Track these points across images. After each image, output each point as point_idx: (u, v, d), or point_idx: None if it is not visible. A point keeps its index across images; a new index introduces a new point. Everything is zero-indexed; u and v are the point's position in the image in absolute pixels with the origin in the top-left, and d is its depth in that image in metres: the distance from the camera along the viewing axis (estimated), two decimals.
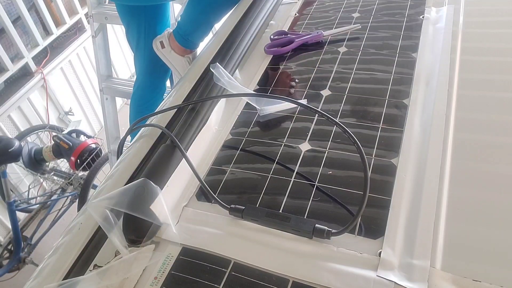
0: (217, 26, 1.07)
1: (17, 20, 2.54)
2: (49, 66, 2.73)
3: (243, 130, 0.68)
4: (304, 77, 0.77)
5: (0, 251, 2.27)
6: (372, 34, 0.84)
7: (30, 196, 2.36)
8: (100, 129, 3.23)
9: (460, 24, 0.78)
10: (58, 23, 2.88)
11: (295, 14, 0.98)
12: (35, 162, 2.10)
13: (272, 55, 0.86)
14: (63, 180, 2.31)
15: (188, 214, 0.56)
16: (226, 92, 0.72)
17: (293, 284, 0.45)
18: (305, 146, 0.62)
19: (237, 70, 0.81)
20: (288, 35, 0.88)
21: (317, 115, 0.67)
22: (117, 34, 3.09)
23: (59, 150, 2.04)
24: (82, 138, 2.24)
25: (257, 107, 0.70)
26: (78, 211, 0.63)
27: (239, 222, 0.53)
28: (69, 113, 2.93)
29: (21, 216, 2.45)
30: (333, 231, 0.48)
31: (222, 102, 0.73)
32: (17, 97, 2.50)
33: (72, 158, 2.01)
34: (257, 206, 0.55)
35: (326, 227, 0.48)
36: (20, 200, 2.32)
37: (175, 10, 1.55)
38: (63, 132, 2.23)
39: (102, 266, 0.51)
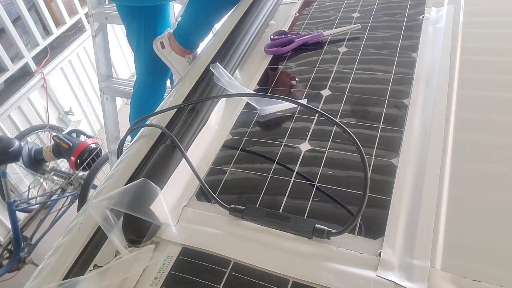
0: (217, 26, 1.07)
1: (17, 20, 2.54)
2: (49, 66, 2.73)
3: (243, 130, 0.68)
4: (304, 77, 0.77)
5: (0, 251, 2.27)
6: (372, 34, 0.84)
7: (30, 196, 2.36)
8: (100, 129, 3.23)
9: (460, 24, 0.78)
10: (58, 23, 2.88)
11: (295, 14, 0.98)
12: (35, 162, 2.10)
13: (272, 55, 0.86)
14: (63, 180, 2.31)
15: (188, 214, 0.56)
16: (226, 92, 0.72)
17: (293, 284, 0.45)
18: (305, 146, 0.62)
19: (237, 70, 0.81)
20: (288, 35, 0.88)
21: (317, 115, 0.67)
22: (117, 34, 3.09)
23: (59, 150, 2.04)
24: (82, 138, 2.24)
25: (257, 107, 0.70)
26: (78, 211, 0.63)
27: (239, 222, 0.53)
28: (69, 113, 2.93)
29: (21, 216, 2.45)
30: (333, 231, 0.48)
31: (222, 102, 0.73)
32: (17, 97, 2.51)
33: (72, 158, 2.01)
34: (257, 206, 0.55)
35: (326, 227, 0.48)
36: (20, 200, 2.32)
37: (175, 10, 1.55)
38: (63, 132, 2.23)
39: (102, 266, 0.51)
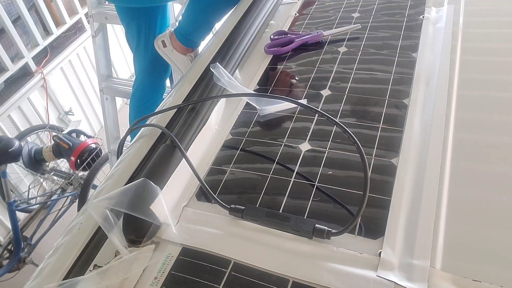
0: (217, 25, 1.07)
1: (17, 20, 2.54)
2: (49, 66, 2.73)
3: (243, 130, 0.68)
4: (304, 77, 0.77)
5: (0, 251, 2.27)
6: (372, 34, 0.84)
7: (30, 196, 2.36)
8: (100, 129, 3.23)
9: (460, 24, 0.78)
10: (58, 23, 2.88)
11: (295, 14, 0.98)
12: (35, 162, 2.10)
13: (272, 55, 0.86)
14: (63, 180, 2.31)
15: (188, 214, 0.56)
16: (226, 92, 0.72)
17: (293, 284, 0.45)
18: (305, 146, 0.62)
19: (237, 70, 0.81)
20: (288, 35, 0.88)
21: (317, 115, 0.67)
22: (117, 34, 3.09)
23: (59, 150, 2.04)
24: (82, 138, 2.24)
25: (257, 107, 0.70)
26: (78, 211, 0.63)
27: (239, 222, 0.53)
28: (69, 113, 2.93)
29: (21, 216, 2.45)
30: (333, 231, 0.48)
31: (222, 102, 0.73)
32: (17, 97, 2.50)
33: (72, 158, 2.01)
34: (257, 206, 0.55)
35: (326, 227, 0.48)
36: (20, 200, 2.32)
37: (175, 10, 1.55)
38: (63, 132, 2.23)
39: (102, 266, 0.51)
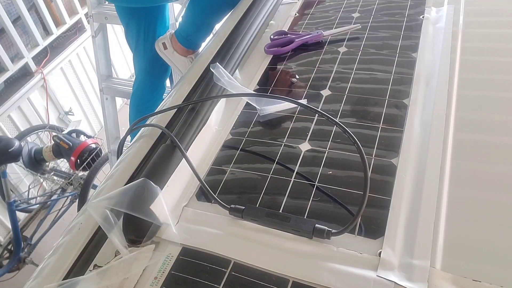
0: (217, 26, 1.07)
1: (17, 20, 2.54)
2: (49, 66, 2.73)
3: (243, 130, 0.68)
4: (304, 77, 0.77)
5: (0, 251, 2.27)
6: (372, 34, 0.84)
7: (30, 196, 2.36)
8: (100, 129, 3.23)
9: (460, 24, 0.78)
10: (58, 23, 2.88)
11: (295, 14, 0.98)
12: (35, 162, 2.10)
13: (272, 55, 0.86)
14: (63, 180, 2.31)
15: (188, 214, 0.56)
16: (226, 92, 0.72)
17: (293, 284, 0.45)
18: (305, 146, 0.62)
19: (237, 70, 0.81)
20: (288, 35, 0.88)
21: (317, 115, 0.67)
22: (117, 34, 3.09)
23: (59, 150, 2.04)
24: (82, 138, 2.24)
25: (257, 107, 0.70)
26: (78, 211, 0.63)
27: (239, 222, 0.53)
28: (69, 113, 2.93)
29: (21, 216, 2.45)
30: (333, 231, 0.48)
31: (222, 102, 0.73)
32: (17, 97, 2.50)
33: (72, 158, 2.01)
34: (257, 206, 0.55)
35: (326, 227, 0.48)
36: (20, 200, 2.32)
37: (175, 10, 1.55)
38: (63, 132, 2.23)
39: (102, 266, 0.51)
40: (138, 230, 0.52)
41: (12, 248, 2.25)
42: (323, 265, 0.46)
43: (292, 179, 0.57)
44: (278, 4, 1.01)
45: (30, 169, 2.13)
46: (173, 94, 0.80)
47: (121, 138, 0.73)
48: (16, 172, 2.43)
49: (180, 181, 0.59)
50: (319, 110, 0.59)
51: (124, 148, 0.72)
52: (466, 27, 0.78)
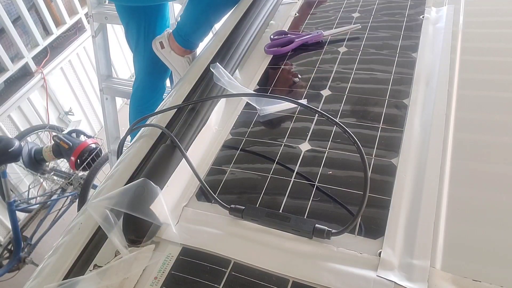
0: (217, 26, 1.07)
1: (17, 20, 2.54)
2: (49, 66, 2.73)
3: (243, 130, 0.68)
4: (304, 77, 0.77)
5: (0, 251, 2.27)
6: (372, 34, 0.84)
7: (30, 196, 2.36)
8: (100, 129, 3.23)
9: (460, 24, 0.78)
10: (58, 23, 2.88)
11: (295, 14, 0.98)
12: (35, 162, 2.10)
13: (272, 55, 0.86)
14: (63, 180, 2.31)
15: (188, 214, 0.56)
16: (226, 92, 0.72)
17: (293, 284, 0.45)
18: (305, 146, 0.62)
19: (237, 70, 0.81)
20: (288, 35, 0.88)
21: (317, 115, 0.67)
22: (117, 34, 3.09)
23: (59, 150, 2.04)
24: (82, 138, 2.24)
25: (257, 107, 0.70)
26: (78, 211, 0.63)
27: (239, 222, 0.53)
28: (69, 113, 2.93)
29: (21, 216, 2.45)
30: (333, 231, 0.48)
31: (222, 102, 0.73)
32: (17, 97, 2.50)
33: (72, 158, 2.01)
34: (257, 206, 0.55)
35: (326, 227, 0.48)
36: (20, 200, 2.32)
37: (175, 10, 1.55)
38: (63, 132, 2.23)
39: (102, 266, 0.51)
40: (138, 230, 0.52)
41: (12, 248, 2.25)
42: (323, 265, 0.46)
43: (292, 179, 0.57)
44: (278, 4, 1.01)
45: (30, 169, 2.13)
46: (173, 94, 0.80)
47: (121, 138, 0.73)
48: (16, 172, 2.43)
49: (180, 181, 0.59)
50: (319, 110, 0.59)
51: (124, 148, 0.72)
52: (466, 27, 0.78)
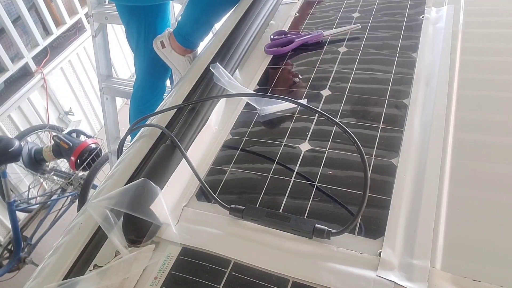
0: (217, 26, 1.07)
1: (17, 20, 2.54)
2: (49, 66, 2.73)
3: (243, 130, 0.68)
4: (304, 77, 0.77)
5: (0, 251, 2.27)
6: (372, 34, 0.84)
7: (30, 196, 2.36)
8: (100, 129, 3.23)
9: (460, 24, 0.78)
10: (58, 23, 2.88)
11: (295, 14, 0.98)
12: (35, 162, 2.09)
13: (272, 55, 0.86)
14: (63, 180, 2.31)
15: (188, 214, 0.56)
16: (226, 92, 0.72)
17: (293, 284, 0.45)
18: (305, 146, 0.62)
19: (237, 70, 0.81)
20: (288, 35, 0.88)
21: (317, 115, 0.67)
22: (117, 34, 3.09)
23: (59, 150, 2.04)
24: (82, 138, 2.24)
25: (257, 107, 0.70)
26: (78, 211, 0.63)
27: (239, 222, 0.53)
28: (69, 113, 2.93)
29: (21, 216, 2.45)
30: (333, 231, 0.48)
31: (222, 102, 0.73)
32: (17, 97, 2.50)
33: (72, 158, 2.01)
34: (257, 206, 0.55)
35: (326, 227, 0.48)
36: (20, 200, 2.32)
37: (175, 10, 1.55)
38: (63, 132, 2.23)
39: (102, 266, 0.51)
40: (138, 230, 0.52)
41: (12, 248, 2.25)
42: (323, 265, 0.46)
43: (292, 179, 0.57)
44: (278, 4, 1.01)
45: (30, 169, 2.13)
46: (173, 94, 0.80)
47: (121, 138, 0.73)
48: (16, 172, 2.43)
49: (180, 181, 0.59)
50: (319, 110, 0.59)
51: (124, 148, 0.72)
52: (466, 27, 0.78)
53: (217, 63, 0.75)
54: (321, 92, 0.72)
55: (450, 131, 0.58)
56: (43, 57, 2.73)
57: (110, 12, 1.45)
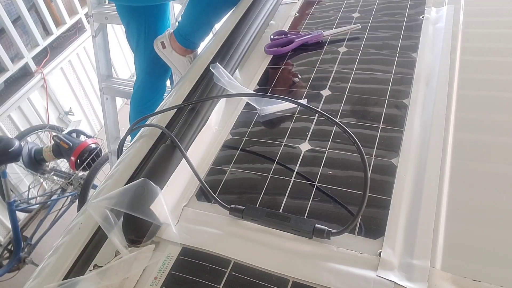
0: (217, 26, 1.07)
1: (17, 20, 2.54)
2: (49, 66, 2.73)
3: (243, 130, 0.68)
4: (304, 77, 0.77)
5: (0, 251, 2.27)
6: (372, 34, 0.84)
7: (30, 196, 2.36)
8: (100, 129, 3.23)
9: (460, 24, 0.78)
10: (58, 23, 2.88)
11: (295, 14, 0.98)
12: (35, 162, 2.10)
13: (272, 55, 0.86)
14: (63, 180, 2.31)
15: (188, 214, 0.56)
16: (226, 92, 0.72)
17: (293, 284, 0.45)
18: (305, 146, 0.62)
19: (237, 70, 0.81)
20: (288, 35, 0.88)
21: (317, 115, 0.67)
22: (117, 34, 3.09)
23: (59, 150, 2.04)
24: (82, 138, 2.24)
25: (257, 107, 0.70)
26: (78, 211, 0.63)
27: (239, 222, 0.53)
28: (69, 113, 2.93)
29: (21, 216, 2.45)
30: (333, 231, 0.48)
31: (222, 102, 0.73)
32: (17, 97, 2.50)
33: (72, 158, 2.01)
34: (257, 206, 0.55)
35: (326, 227, 0.48)
36: (20, 200, 2.32)
37: (175, 10, 1.55)
38: (63, 132, 2.23)
39: (102, 266, 0.51)
40: (138, 230, 0.52)
41: (12, 248, 2.25)
42: (323, 265, 0.46)
43: (292, 179, 0.57)
44: (278, 4, 1.01)
45: (30, 169, 2.13)
46: (173, 94, 0.80)
47: (121, 138, 0.73)
48: (16, 172, 2.43)
49: (180, 181, 0.59)
50: (319, 110, 0.59)
51: (124, 148, 0.72)
52: (466, 27, 0.78)
53: (217, 63, 0.75)
54: (321, 92, 0.72)
55: (450, 131, 0.58)
56: (43, 57, 2.74)
57: (110, 12, 1.45)
